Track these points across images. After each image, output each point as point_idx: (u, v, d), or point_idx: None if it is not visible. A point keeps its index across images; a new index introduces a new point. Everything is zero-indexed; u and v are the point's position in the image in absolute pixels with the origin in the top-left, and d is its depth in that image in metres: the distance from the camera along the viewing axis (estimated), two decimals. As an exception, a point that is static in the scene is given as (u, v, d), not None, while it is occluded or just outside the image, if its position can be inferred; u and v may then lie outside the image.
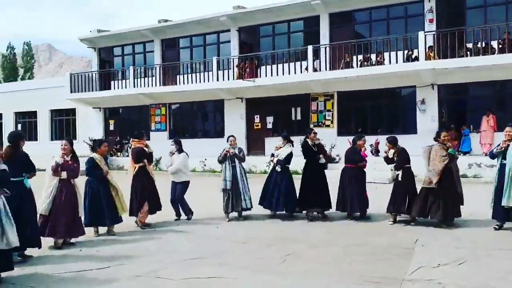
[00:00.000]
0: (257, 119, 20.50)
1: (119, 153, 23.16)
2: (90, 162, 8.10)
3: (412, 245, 7.02)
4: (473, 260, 6.12)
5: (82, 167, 7.83)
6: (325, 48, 18.08)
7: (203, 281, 5.51)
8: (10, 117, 27.75)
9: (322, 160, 9.28)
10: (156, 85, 21.60)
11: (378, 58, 16.96)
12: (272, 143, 20.26)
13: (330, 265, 6.08)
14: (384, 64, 16.73)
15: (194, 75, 20.66)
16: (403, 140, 15.50)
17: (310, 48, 17.79)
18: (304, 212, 9.32)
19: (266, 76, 19.26)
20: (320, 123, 18.90)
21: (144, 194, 8.66)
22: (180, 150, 9.50)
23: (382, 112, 18.16)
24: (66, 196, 7.29)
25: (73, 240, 7.51)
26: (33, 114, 26.94)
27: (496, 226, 7.80)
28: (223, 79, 19.81)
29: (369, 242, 7.32)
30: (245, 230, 8.50)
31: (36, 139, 26.17)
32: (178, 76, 21.60)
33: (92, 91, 23.12)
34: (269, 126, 20.18)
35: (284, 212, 9.43)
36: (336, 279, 5.47)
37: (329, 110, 18.82)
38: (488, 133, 15.68)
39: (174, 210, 9.48)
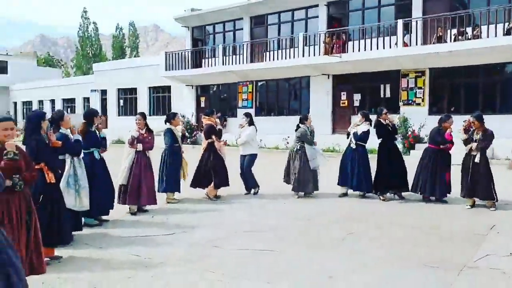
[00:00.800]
0: (343, 96, 20.05)
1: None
2: (168, 132, 8.62)
3: (486, 231, 6.55)
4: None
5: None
6: (417, 21, 17.03)
7: (253, 253, 5.62)
8: (113, 93, 29.88)
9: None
10: (244, 63, 21.92)
11: (474, 32, 15.63)
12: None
13: (390, 246, 5.88)
14: (481, 38, 15.39)
15: (281, 51, 20.61)
16: (503, 121, 14.45)
17: (400, 22, 16.89)
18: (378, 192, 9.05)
19: (353, 51, 18.69)
20: (410, 101, 18.01)
21: (210, 170, 8.96)
22: (250, 122, 9.64)
23: (479, 90, 16.79)
24: (141, 167, 7.79)
25: (147, 207, 8.01)
26: (134, 90, 28.74)
27: None
28: (310, 55, 19.53)
29: (439, 225, 6.95)
30: (312, 207, 8.46)
31: (136, 114, 27.87)
32: (265, 53, 21.71)
33: (185, 69, 24.05)
34: (356, 103, 19.63)
35: (358, 192, 9.23)
36: (389, 261, 5.30)
37: (420, 88, 17.83)
38: None
39: (243, 184, 9.69)
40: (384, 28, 17.86)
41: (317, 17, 20.71)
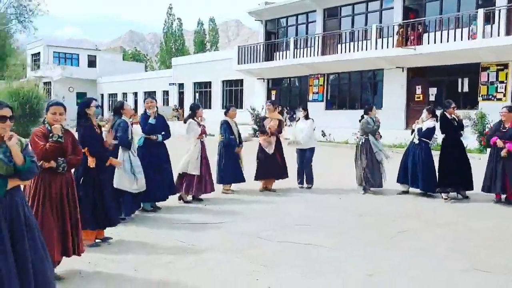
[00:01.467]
0: (418, 90, 19.18)
1: (279, 122, 24.05)
2: (224, 124, 8.77)
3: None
4: None
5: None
6: (499, 10, 15.86)
7: (298, 246, 5.57)
8: (190, 86, 30.88)
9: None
10: (315, 55, 21.69)
11: None
12: (434, 117, 18.87)
13: (443, 247, 5.59)
14: None
15: (353, 44, 20.14)
16: None
17: (481, 12, 15.81)
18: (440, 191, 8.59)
19: (429, 43, 17.80)
20: (490, 96, 16.85)
21: (262, 164, 9.07)
22: (306, 116, 9.55)
23: None
24: (202, 157, 8.02)
25: (202, 196, 8.22)
26: (208, 84, 29.50)
27: None
28: (383, 47, 18.89)
29: (506, 227, 6.48)
30: (368, 203, 8.23)
31: (210, 107, 28.61)
32: (338, 46, 21.31)
33: (257, 62, 24.25)
34: (432, 98, 18.70)
35: (419, 190, 8.82)
36: (439, 262, 5.03)
37: (502, 82, 16.61)
38: None
39: (298, 178, 9.60)
40: (462, 18, 16.82)
41: (392, 8, 19.96)
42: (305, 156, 9.48)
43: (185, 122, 8.23)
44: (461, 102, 17.73)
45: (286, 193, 9.03)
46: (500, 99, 16.57)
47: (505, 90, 16.52)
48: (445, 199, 8.34)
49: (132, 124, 6.69)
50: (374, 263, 5.02)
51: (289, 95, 24.98)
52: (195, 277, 4.56)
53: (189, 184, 7.93)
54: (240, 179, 8.88)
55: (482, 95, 17.04)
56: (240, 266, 4.87)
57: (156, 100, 7.71)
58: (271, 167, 9.09)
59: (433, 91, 18.73)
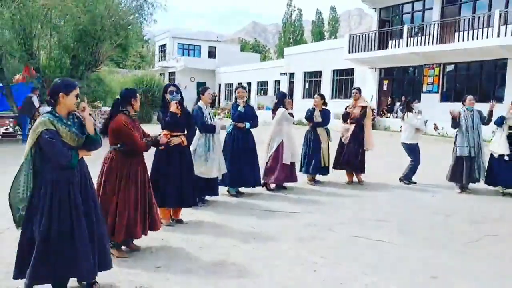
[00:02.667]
0: (548, 82, 17.14)
1: (389, 114, 23.16)
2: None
3: None
4: None
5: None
6: None
7: (367, 242, 5.40)
8: (300, 76, 30.95)
9: None
10: (431, 44, 20.39)
11: None
12: None
13: (530, 256, 5.03)
14: None
15: (473, 31, 18.54)
16: None
17: None
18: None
19: None
20: None
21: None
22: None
23: None
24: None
25: (288, 185, 8.30)
26: (319, 73, 29.29)
27: None
28: (507, 35, 17.14)
29: None
30: (461, 203, 7.64)
31: (319, 97, 28.36)
32: (456, 34, 19.79)
33: (369, 51, 23.49)
34: None
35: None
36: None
37: None
38: None
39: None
40: None
41: (520, -10, 17.99)
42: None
43: (274, 111, 8.32)
44: None
45: (377, 187, 8.73)
46: None
47: None
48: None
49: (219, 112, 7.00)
50: (443, 267, 4.68)
51: (402, 85, 23.83)
52: (251, 262, 4.66)
53: (274, 172, 8.04)
54: (319, 171, 8.77)
55: None
56: (300, 257, 4.86)
57: (246, 90, 7.92)
58: (343, 157, 8.91)
59: None
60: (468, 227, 6.14)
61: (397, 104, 22.90)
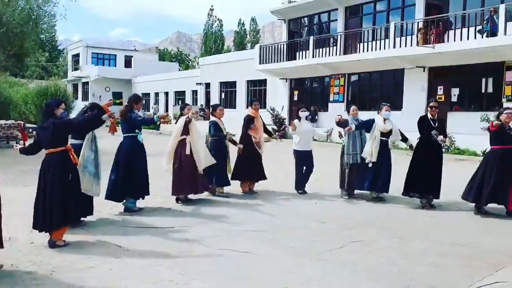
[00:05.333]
0: (440, 90, 18.25)
1: (299, 123, 23.65)
2: (213, 125, 8.58)
3: (523, 253, 5.44)
4: None
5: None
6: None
7: (233, 254, 5.31)
8: (216, 86, 30.92)
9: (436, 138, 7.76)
10: (335, 55, 21.14)
11: None
12: (456, 119, 17.88)
13: (390, 261, 5.16)
14: None
15: (374, 43, 19.45)
16: None
17: (502, 7, 14.85)
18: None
19: (454, 41, 16.90)
20: (516, 97, 15.82)
21: (245, 162, 8.79)
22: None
23: None
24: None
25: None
26: (233, 84, 29.42)
27: None
28: (401, 46, 18.13)
29: (467, 241, 5.94)
30: (340, 209, 7.83)
31: (235, 107, 28.51)
32: (359, 45, 20.66)
33: (280, 62, 23.91)
34: (454, 99, 17.80)
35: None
36: (371, 278, 4.63)
37: (528, 82, 15.56)
38: None
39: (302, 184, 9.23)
40: (482, 14, 15.87)
41: (414, 5, 19.10)
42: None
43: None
44: (485, 103, 16.83)
45: (265, 197, 8.73)
46: (525, 100, 15.51)
47: (531, 90, 15.46)
48: (423, 206, 7.86)
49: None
50: (298, 274, 4.68)
51: (312, 95, 24.47)
52: (102, 283, 4.40)
53: (178, 184, 7.91)
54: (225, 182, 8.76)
55: (506, 96, 16.01)
56: (158, 273, 4.67)
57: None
58: (244, 167, 8.87)
59: (455, 91, 17.82)
60: (338, 234, 6.25)
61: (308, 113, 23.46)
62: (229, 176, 8.83)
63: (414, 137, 8.25)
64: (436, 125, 7.84)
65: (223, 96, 30.50)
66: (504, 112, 7.12)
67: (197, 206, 7.86)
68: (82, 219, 6.43)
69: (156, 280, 4.50)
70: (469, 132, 15.61)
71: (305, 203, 8.25)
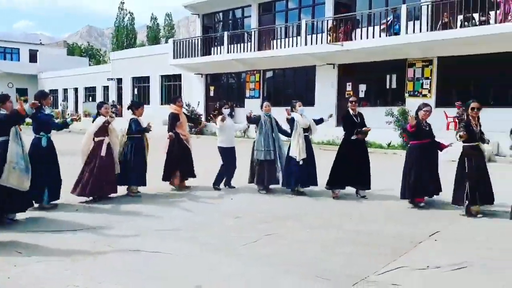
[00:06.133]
0: (349, 87, 19.09)
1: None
2: (134, 123, 8.35)
3: (424, 238, 5.78)
4: (477, 266, 4.77)
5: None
6: (426, 6, 15.83)
7: (145, 255, 5.11)
8: (128, 81, 29.93)
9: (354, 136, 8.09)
10: (250, 51, 21.30)
11: (482, 17, 14.37)
12: (364, 113, 18.60)
13: (304, 252, 5.24)
14: (489, 24, 14.15)
15: (287, 40, 19.84)
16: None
17: (404, 7, 15.80)
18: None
19: (361, 39, 17.68)
20: (416, 93, 16.91)
21: (176, 160, 8.74)
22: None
23: (490, 81, 15.49)
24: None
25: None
26: (147, 79, 28.65)
27: None
28: (313, 43, 18.69)
29: (376, 230, 6.21)
30: (256, 205, 7.86)
31: (148, 103, 27.78)
32: (272, 42, 20.98)
33: (194, 57, 23.63)
34: (361, 94, 18.67)
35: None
36: (285, 270, 4.66)
37: (427, 78, 16.69)
38: None
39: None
40: (387, 13, 16.80)
41: (324, 3, 19.75)
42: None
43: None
44: (390, 98, 17.82)
45: (184, 194, 8.60)
46: (425, 95, 16.65)
47: (430, 86, 16.61)
48: (334, 197, 8.15)
49: None
50: (214, 271, 4.61)
51: (228, 91, 24.48)
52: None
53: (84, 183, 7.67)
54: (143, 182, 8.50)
55: (408, 91, 17.09)
56: (66, 279, 4.36)
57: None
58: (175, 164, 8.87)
59: (363, 87, 18.71)
60: (253, 228, 6.26)
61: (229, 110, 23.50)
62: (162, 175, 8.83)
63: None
64: (359, 120, 8.14)
65: (136, 92, 29.60)
66: (423, 109, 7.46)
67: (115, 205, 7.60)
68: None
69: (64, 286, 4.21)
70: (376, 126, 16.32)
71: (222, 199, 8.21)
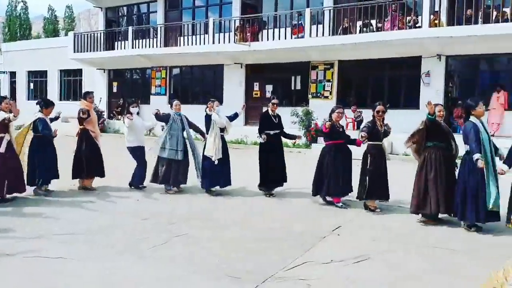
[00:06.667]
0: (256, 86, 19.39)
1: (119, 116, 22.72)
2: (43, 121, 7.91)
3: (328, 233, 6.02)
4: (377, 257, 5.06)
5: None
6: (327, 11, 16.55)
7: (40, 261, 4.76)
8: (23, 75, 27.83)
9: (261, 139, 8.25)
10: (156, 47, 20.81)
11: (379, 24, 15.38)
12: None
13: (211, 251, 5.20)
14: (384, 30, 15.16)
15: (194, 37, 19.65)
16: (404, 116, 14.25)
17: (307, 11, 16.39)
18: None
19: (267, 40, 18.02)
20: (318, 94, 17.62)
21: (83, 158, 8.39)
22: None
23: (384, 84, 16.60)
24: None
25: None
26: (44, 73, 26.84)
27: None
28: (221, 42, 18.73)
29: (283, 227, 6.34)
30: (164, 205, 7.69)
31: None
32: (179, 38, 20.67)
33: (96, 51, 22.56)
34: (268, 95, 19.02)
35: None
36: (194, 271, 4.60)
37: (328, 80, 17.45)
38: (497, 111, 14.03)
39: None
40: (291, 16, 17.32)
41: (231, 3, 19.84)
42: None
43: None
44: (294, 99, 18.36)
45: (93, 195, 8.17)
46: (327, 97, 17.40)
47: (331, 88, 17.38)
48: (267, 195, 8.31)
49: None
50: (116, 276, 4.41)
51: (132, 88, 23.71)
52: None
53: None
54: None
55: (312, 93, 17.74)
56: None
57: None
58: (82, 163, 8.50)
59: (269, 88, 19.07)
60: (161, 230, 6.10)
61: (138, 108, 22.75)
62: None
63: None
64: (277, 121, 8.26)
65: (31, 87, 27.62)
66: (336, 111, 7.70)
67: (18, 207, 7.11)
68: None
69: None
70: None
71: (130, 200, 7.92)
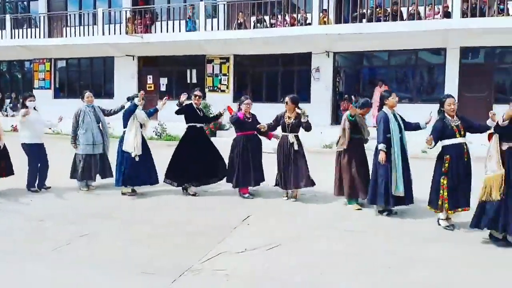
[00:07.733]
0: (150, 79, 18.90)
1: (-4, 112, 20.78)
2: None
3: (238, 224, 6.10)
4: (288, 244, 5.25)
5: None
6: (223, 5, 16.61)
7: None
8: None
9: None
10: (38, 37, 19.32)
11: (272, 20, 15.85)
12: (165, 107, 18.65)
13: (121, 249, 5.00)
14: (276, 27, 15.67)
15: (81, 28, 18.56)
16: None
17: (202, 4, 16.35)
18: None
19: (161, 32, 17.61)
20: (215, 88, 17.69)
21: None
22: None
23: (278, 79, 17.15)
24: None
25: None
26: None
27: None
28: (111, 34, 17.94)
29: (191, 220, 6.30)
30: (70, 204, 7.22)
31: None
32: (64, 29, 19.40)
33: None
34: (163, 88, 18.69)
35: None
36: (103, 270, 4.39)
37: (225, 74, 17.60)
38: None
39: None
40: (186, 9, 17.18)
41: (121, -7, 19.09)
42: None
43: None
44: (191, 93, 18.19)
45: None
46: (223, 91, 17.53)
47: (228, 82, 17.54)
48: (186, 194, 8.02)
49: None
50: (17, 283, 4.07)
51: (12, 81, 21.76)
52: None
53: None
54: None
55: (208, 87, 17.74)
56: None
57: None
58: None
59: (164, 81, 18.71)
60: (61, 230, 5.73)
61: (8, 101, 20.89)
62: None
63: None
64: (202, 114, 8.05)
65: None
66: (244, 102, 7.70)
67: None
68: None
69: None
70: (176, 119, 16.61)
71: (29, 201, 7.31)
